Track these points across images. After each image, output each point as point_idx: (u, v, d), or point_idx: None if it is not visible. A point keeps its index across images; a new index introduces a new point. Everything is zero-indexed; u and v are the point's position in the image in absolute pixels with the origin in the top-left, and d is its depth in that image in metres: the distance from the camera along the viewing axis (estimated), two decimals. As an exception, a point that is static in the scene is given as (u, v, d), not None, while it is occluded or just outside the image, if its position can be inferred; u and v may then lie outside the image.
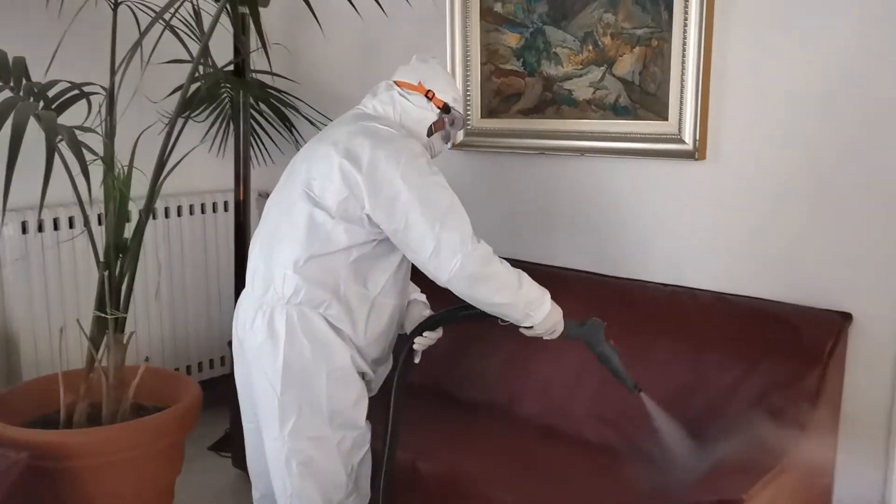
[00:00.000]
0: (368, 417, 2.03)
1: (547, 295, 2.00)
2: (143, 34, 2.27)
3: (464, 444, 2.44)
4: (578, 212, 2.87)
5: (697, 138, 2.53)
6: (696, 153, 2.54)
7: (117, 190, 2.24)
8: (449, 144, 2.23)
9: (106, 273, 2.27)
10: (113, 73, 2.39)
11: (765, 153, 2.45)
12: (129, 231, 2.35)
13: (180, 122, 2.76)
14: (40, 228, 2.93)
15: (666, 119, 2.61)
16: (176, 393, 2.46)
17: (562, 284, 2.79)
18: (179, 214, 3.38)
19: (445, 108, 2.07)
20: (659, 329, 2.52)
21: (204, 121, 3.32)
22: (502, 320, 2.00)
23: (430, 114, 2.05)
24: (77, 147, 1.91)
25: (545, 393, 2.64)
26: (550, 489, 2.19)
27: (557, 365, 2.64)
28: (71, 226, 3.00)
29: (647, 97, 2.65)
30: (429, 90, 2.03)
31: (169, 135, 2.31)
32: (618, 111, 2.72)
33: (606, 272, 2.79)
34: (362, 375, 1.98)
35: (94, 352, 2.34)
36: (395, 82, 2.05)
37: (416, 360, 2.08)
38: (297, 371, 1.85)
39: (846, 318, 2.34)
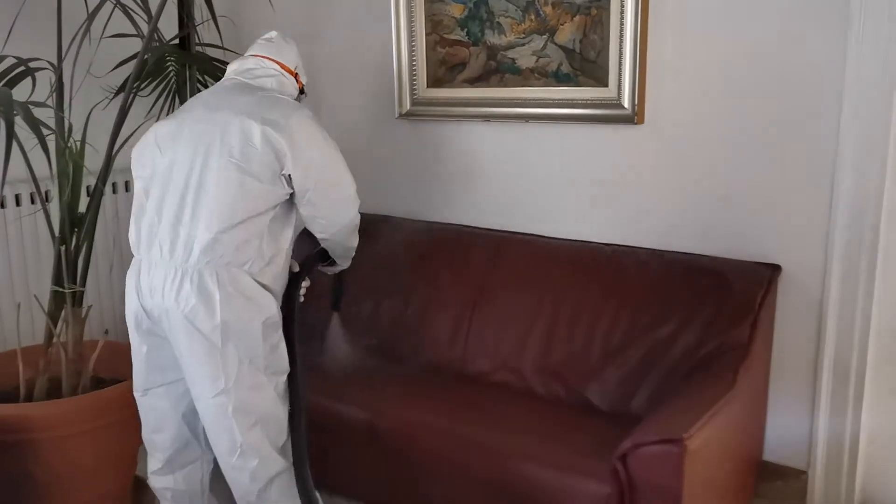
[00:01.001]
0: None
1: None
2: (92, 13, 2.27)
3: (418, 402, 2.53)
4: (524, 177, 2.97)
5: (636, 103, 2.65)
6: (635, 117, 2.66)
7: (72, 163, 2.25)
8: None
9: (62, 247, 2.28)
10: (60, 48, 2.38)
11: (698, 116, 2.58)
12: (82, 206, 2.36)
13: (131, 96, 2.79)
14: (2, 205, 2.91)
15: (606, 85, 2.72)
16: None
17: (510, 247, 2.93)
18: (127, 190, 3.37)
19: (301, 90, 2.32)
20: (600, 286, 2.65)
21: (148, 95, 3.30)
22: (324, 264, 2.33)
23: (295, 92, 2.28)
24: (34, 122, 1.92)
25: (495, 352, 2.76)
26: (502, 440, 2.29)
27: (505, 325, 2.75)
28: (18, 203, 2.97)
29: (587, 64, 2.75)
30: (296, 73, 2.28)
31: (123, 106, 2.32)
32: (560, 78, 2.82)
33: (551, 234, 2.90)
34: None
35: (53, 326, 2.36)
36: (274, 61, 2.21)
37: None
38: (234, 325, 1.94)
39: (775, 269, 2.50)
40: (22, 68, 2.29)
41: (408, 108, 3.20)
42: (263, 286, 2.00)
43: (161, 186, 2.01)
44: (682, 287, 2.53)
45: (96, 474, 2.35)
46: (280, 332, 2.06)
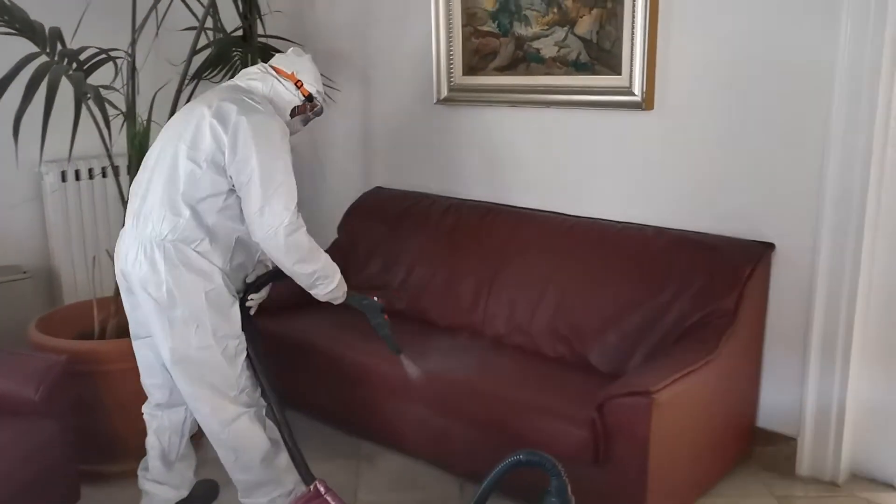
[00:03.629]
0: None
1: (338, 274, 2.39)
2: (154, 4, 2.65)
3: (439, 359, 2.81)
4: (544, 158, 3.21)
5: (645, 90, 2.85)
6: (644, 104, 2.86)
7: (138, 140, 2.64)
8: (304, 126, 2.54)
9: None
10: (134, 38, 2.76)
11: (702, 102, 2.77)
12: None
13: (195, 81, 3.17)
14: (77, 177, 3.37)
15: (619, 74, 2.93)
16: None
17: (529, 222, 3.19)
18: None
19: (309, 97, 2.43)
20: (607, 259, 2.87)
21: (219, 81, 3.69)
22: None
23: (296, 99, 2.41)
24: (101, 102, 2.30)
25: (510, 317, 3.02)
26: (505, 391, 2.57)
27: (520, 293, 3.01)
28: (105, 175, 3.42)
29: (603, 54, 2.97)
30: (299, 80, 2.41)
31: (178, 92, 2.69)
32: (578, 67, 3.05)
33: (567, 211, 3.14)
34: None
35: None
36: (272, 66, 2.42)
37: (252, 313, 2.45)
38: (179, 294, 2.19)
39: (768, 247, 2.68)
40: (102, 56, 2.68)
41: (445, 94, 3.48)
42: (210, 262, 2.22)
43: (141, 169, 2.31)
44: (679, 261, 2.73)
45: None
46: (231, 301, 2.28)
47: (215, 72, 3.58)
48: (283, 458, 2.41)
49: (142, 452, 2.69)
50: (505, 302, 3.06)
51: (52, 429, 2.34)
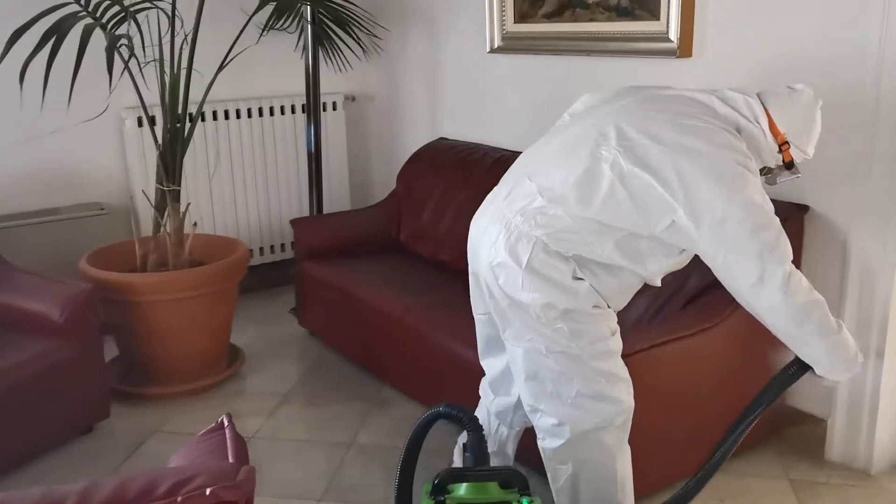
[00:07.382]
0: None
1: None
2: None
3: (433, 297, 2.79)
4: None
5: (681, 37, 2.65)
6: (679, 51, 2.66)
7: (170, 88, 2.79)
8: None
9: (160, 154, 2.86)
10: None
11: (741, 52, 2.56)
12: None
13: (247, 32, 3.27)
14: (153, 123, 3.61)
15: (658, 18, 2.74)
16: (230, 253, 3.02)
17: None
18: (261, 115, 3.93)
19: (789, 165, 1.82)
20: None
21: (294, 31, 3.82)
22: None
23: (770, 160, 1.81)
24: (112, 50, 2.44)
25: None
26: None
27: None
28: (140, 124, 3.57)
29: (643, -2, 2.79)
30: (786, 143, 1.77)
31: (193, 41, 2.79)
32: (620, 12, 2.88)
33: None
34: None
35: (160, 217, 2.96)
36: (766, 108, 1.77)
37: None
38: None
39: (801, 209, 2.43)
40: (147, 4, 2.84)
41: (498, 43, 3.40)
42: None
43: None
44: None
45: (187, 334, 2.91)
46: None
47: (288, 20, 3.70)
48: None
49: (173, 378, 2.89)
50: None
51: (74, 349, 2.56)
